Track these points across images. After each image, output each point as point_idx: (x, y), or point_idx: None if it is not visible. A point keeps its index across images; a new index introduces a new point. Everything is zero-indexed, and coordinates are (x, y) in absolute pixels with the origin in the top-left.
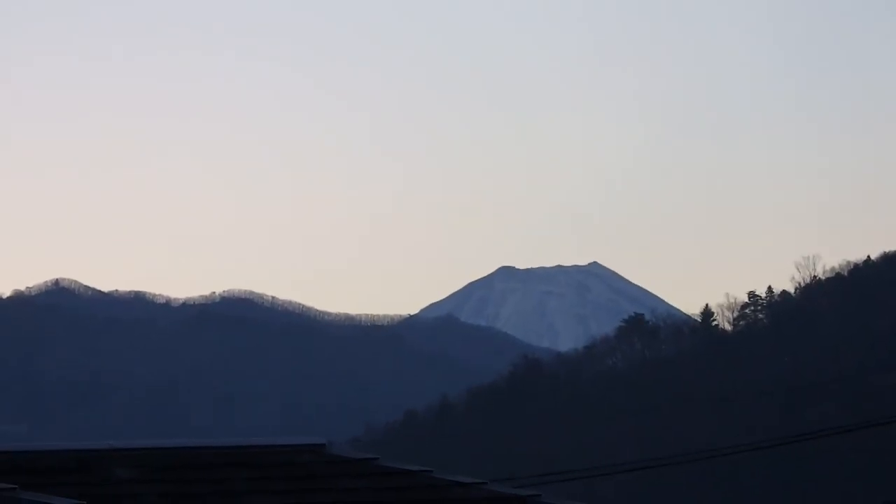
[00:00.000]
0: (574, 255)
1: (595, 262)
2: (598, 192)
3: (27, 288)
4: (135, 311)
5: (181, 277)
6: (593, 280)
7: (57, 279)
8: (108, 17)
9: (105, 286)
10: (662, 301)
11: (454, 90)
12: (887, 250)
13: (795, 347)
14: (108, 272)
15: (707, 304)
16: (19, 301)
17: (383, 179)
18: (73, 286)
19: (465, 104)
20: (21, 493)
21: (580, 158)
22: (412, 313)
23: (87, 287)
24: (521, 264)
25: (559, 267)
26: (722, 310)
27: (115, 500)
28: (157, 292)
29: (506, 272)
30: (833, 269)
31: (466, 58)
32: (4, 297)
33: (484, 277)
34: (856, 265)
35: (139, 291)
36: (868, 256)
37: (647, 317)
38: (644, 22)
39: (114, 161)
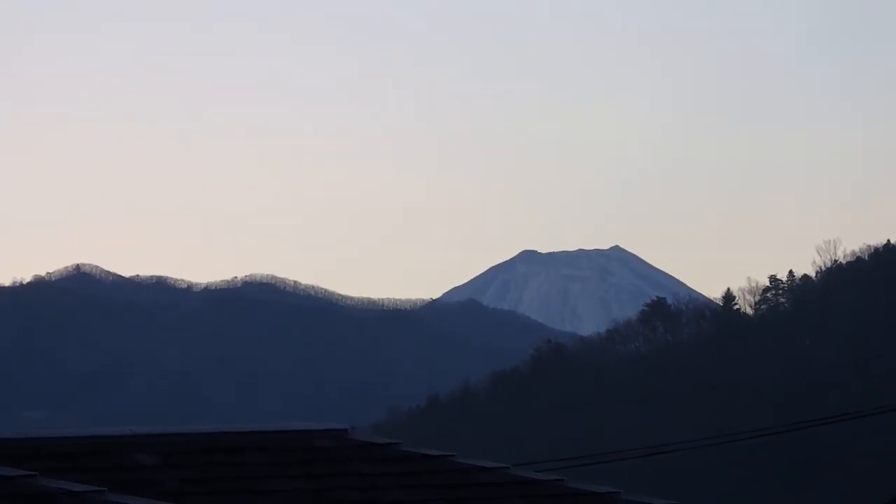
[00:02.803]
0: (596, 239)
1: (616, 246)
2: (620, 176)
3: (48, 273)
4: (156, 296)
5: (202, 262)
6: (615, 264)
7: (78, 264)
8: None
9: (126, 271)
10: (684, 285)
11: (475, 77)
12: None
13: (816, 331)
14: (128, 257)
15: (729, 288)
16: (40, 286)
17: (404, 165)
18: (94, 271)
19: (485, 90)
20: (41, 480)
21: (601, 143)
22: (434, 297)
23: (108, 272)
24: (543, 248)
25: (581, 251)
26: (743, 294)
27: (136, 485)
28: (179, 277)
29: (528, 256)
30: (853, 252)
31: (486, 45)
32: (25, 282)
33: (506, 261)
34: (876, 249)
35: (160, 276)
36: (888, 240)
37: (669, 301)
38: (668, 5)
39: (133, 145)
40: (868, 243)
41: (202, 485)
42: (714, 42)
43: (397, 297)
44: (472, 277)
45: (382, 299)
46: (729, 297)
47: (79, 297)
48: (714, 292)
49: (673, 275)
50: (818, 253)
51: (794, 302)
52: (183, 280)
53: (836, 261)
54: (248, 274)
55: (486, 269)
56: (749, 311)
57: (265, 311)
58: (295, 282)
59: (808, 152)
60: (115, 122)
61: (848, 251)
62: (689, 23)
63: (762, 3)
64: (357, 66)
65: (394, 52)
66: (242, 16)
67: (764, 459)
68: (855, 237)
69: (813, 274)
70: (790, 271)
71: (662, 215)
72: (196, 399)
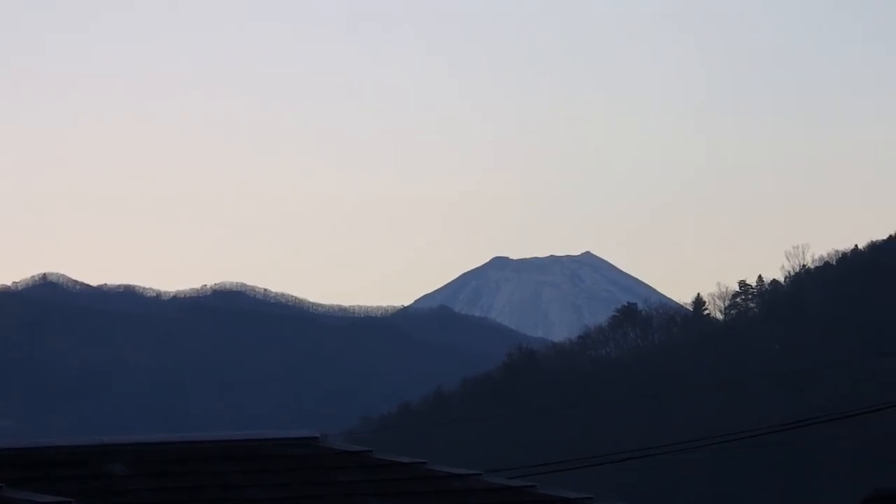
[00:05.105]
0: (567, 245)
1: (588, 252)
2: (591, 182)
3: (14, 283)
4: (125, 304)
5: (171, 270)
6: (587, 270)
7: (44, 273)
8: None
9: (93, 280)
10: (655, 290)
11: (446, 84)
12: (874, 239)
13: (786, 335)
14: (95, 266)
15: (699, 294)
16: (6, 296)
17: (374, 171)
18: (61, 280)
19: (457, 97)
20: (6, 491)
21: (572, 149)
22: (406, 304)
23: (75, 281)
24: (514, 254)
25: (552, 257)
26: (713, 299)
27: (107, 496)
28: (147, 286)
29: (499, 262)
30: (822, 258)
31: (457, 50)
32: None
33: (478, 268)
34: (844, 254)
35: (129, 285)
36: (856, 245)
37: (640, 306)
38: (651, 14)
39: (99, 153)
40: (836, 248)
41: (174, 494)
42: (682, 48)
43: (368, 304)
44: (443, 284)
45: (353, 307)
46: (699, 302)
47: (47, 307)
48: (685, 298)
49: (644, 280)
50: (787, 258)
51: (763, 307)
52: (151, 289)
53: (804, 266)
54: (217, 282)
55: (457, 275)
56: (719, 316)
57: (235, 320)
58: (265, 290)
59: (777, 158)
60: (81, 129)
61: (816, 256)
62: (655, 30)
63: (742, 11)
64: (326, 74)
65: (359, 57)
66: (206, 21)
67: (742, 463)
68: (823, 242)
69: (782, 279)
70: (759, 276)
71: (634, 221)
72: (167, 408)
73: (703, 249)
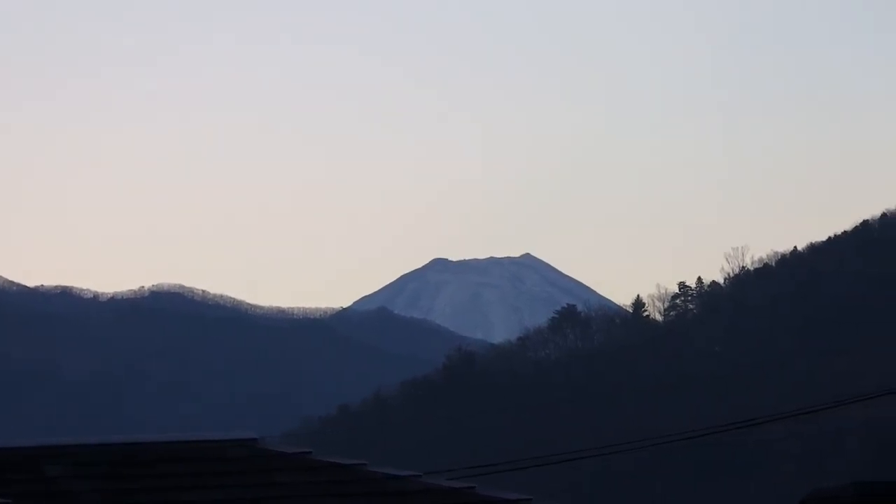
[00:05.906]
0: (507, 247)
1: (528, 254)
2: (530, 183)
3: None
4: (62, 306)
5: (108, 272)
6: (527, 271)
7: None
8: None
9: (30, 281)
10: (595, 292)
11: (386, 84)
12: (813, 241)
13: (725, 336)
14: (31, 267)
15: (638, 295)
16: None
17: (313, 171)
18: None
19: (395, 98)
20: None
21: (510, 150)
22: (345, 306)
23: (11, 282)
24: (453, 256)
25: (492, 258)
26: (653, 300)
27: (45, 498)
28: (84, 287)
29: (439, 264)
30: (761, 259)
31: (404, 50)
32: None
33: (417, 269)
34: (783, 255)
35: (66, 286)
36: (795, 247)
37: (580, 308)
38: (592, 17)
39: (34, 151)
40: (776, 250)
41: (112, 496)
42: (621, 51)
43: (307, 305)
44: (382, 286)
45: (292, 308)
46: (639, 303)
47: None
48: (624, 299)
49: (584, 282)
50: (726, 260)
51: (703, 308)
52: (89, 290)
53: (743, 267)
54: (155, 283)
55: (396, 277)
56: (658, 317)
57: (174, 321)
58: (203, 291)
59: (716, 160)
60: (16, 128)
61: (756, 258)
62: (595, 33)
63: (677, 11)
64: (266, 75)
65: (299, 59)
66: (146, 21)
67: (678, 463)
68: (763, 244)
69: (721, 280)
70: (699, 278)
71: (573, 223)
72: (105, 410)
73: (642, 251)
